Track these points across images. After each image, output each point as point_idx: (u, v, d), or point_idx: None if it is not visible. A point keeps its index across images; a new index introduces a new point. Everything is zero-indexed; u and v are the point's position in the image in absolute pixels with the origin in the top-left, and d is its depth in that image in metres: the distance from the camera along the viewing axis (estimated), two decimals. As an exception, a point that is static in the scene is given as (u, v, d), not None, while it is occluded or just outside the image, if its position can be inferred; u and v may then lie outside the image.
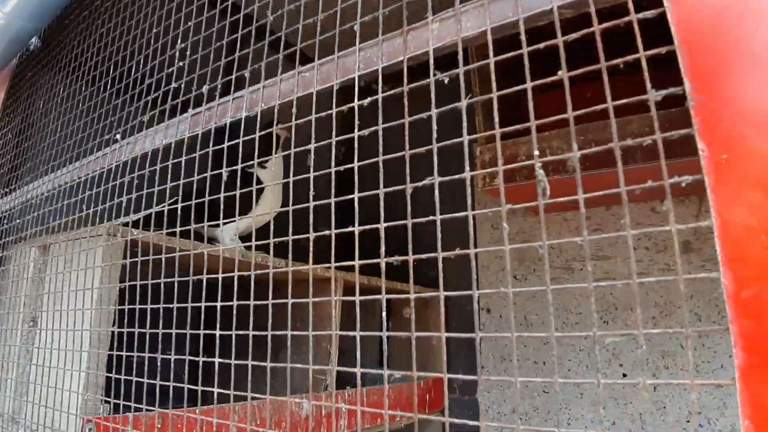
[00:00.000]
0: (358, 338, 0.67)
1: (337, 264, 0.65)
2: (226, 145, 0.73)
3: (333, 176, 0.61)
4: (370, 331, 2.34)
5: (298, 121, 0.64)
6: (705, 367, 1.79)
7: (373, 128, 0.58)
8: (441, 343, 2.25)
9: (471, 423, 0.52)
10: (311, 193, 0.63)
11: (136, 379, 0.97)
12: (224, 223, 1.35)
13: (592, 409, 2.00)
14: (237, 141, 0.71)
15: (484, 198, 2.31)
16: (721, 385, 0.38)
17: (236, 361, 0.71)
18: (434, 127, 0.55)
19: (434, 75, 0.54)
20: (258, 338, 0.76)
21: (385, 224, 0.57)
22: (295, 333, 0.64)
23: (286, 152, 0.71)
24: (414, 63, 0.56)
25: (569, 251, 2.11)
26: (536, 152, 0.44)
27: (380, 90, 0.57)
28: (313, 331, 0.70)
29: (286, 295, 0.70)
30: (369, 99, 0.58)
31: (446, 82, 0.54)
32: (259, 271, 0.76)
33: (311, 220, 0.64)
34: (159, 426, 1.13)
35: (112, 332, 1.05)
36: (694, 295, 1.82)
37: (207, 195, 0.86)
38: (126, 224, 1.06)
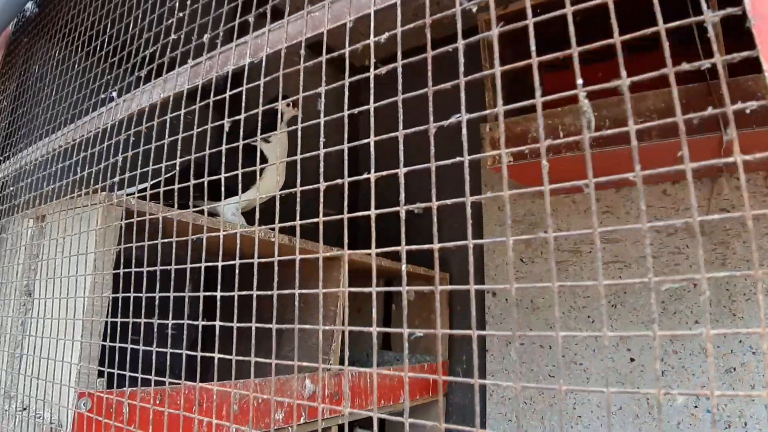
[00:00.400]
0: (374, 334, 0.63)
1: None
2: (228, 94, 0.68)
3: (345, 153, 0.56)
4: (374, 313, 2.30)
5: (306, 93, 0.59)
6: (714, 352, 1.75)
7: (383, 102, 0.53)
8: (445, 325, 2.23)
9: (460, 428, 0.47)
10: (313, 174, 0.59)
11: (132, 346, 0.94)
12: (225, 198, 1.32)
13: (597, 394, 1.97)
14: (240, 90, 0.67)
15: (492, 177, 2.27)
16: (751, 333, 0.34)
17: (238, 324, 0.67)
18: (430, 108, 0.51)
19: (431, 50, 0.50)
20: (261, 315, 0.72)
21: (377, 211, 0.53)
22: (303, 326, 0.60)
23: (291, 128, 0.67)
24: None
25: (578, 234, 2.06)
26: (580, 81, 0.40)
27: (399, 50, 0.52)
28: (319, 309, 0.67)
29: (292, 271, 0.66)
30: (385, 68, 0.53)
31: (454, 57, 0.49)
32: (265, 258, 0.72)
33: (321, 205, 0.60)
34: (158, 402, 1.10)
35: (108, 301, 1.02)
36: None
37: (207, 167, 0.82)
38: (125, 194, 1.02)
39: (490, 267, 2.26)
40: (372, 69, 0.49)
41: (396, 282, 2.34)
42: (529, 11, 0.45)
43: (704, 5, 0.37)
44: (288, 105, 1.61)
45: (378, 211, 0.52)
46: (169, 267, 0.82)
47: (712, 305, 1.78)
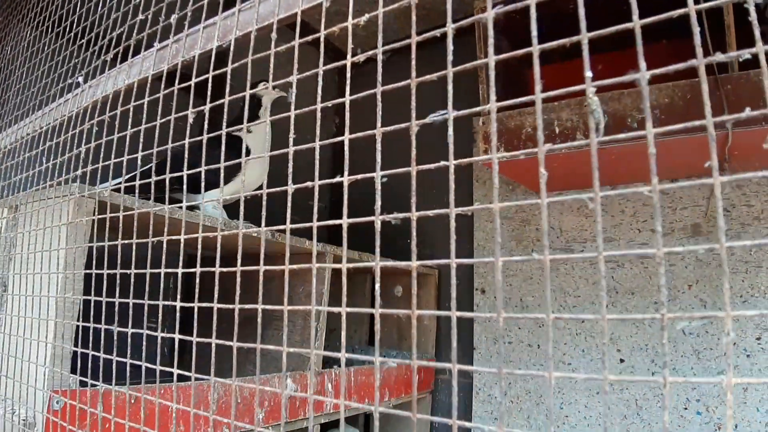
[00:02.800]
0: (344, 314, 0.58)
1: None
2: (194, 81, 0.63)
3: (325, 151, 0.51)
4: (357, 311, 2.26)
5: (300, 76, 0.54)
6: (706, 354, 1.72)
7: (367, 92, 0.48)
8: (432, 323, 2.19)
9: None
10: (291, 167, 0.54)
11: (104, 356, 0.89)
12: (205, 191, 1.26)
13: (586, 394, 1.93)
14: (212, 76, 0.61)
15: (484, 171, 2.22)
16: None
17: (217, 341, 0.62)
18: (413, 102, 0.46)
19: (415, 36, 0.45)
20: (242, 314, 0.68)
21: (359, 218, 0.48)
22: (268, 307, 0.56)
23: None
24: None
25: (570, 232, 2.03)
26: (588, 74, 0.35)
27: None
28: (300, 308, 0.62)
29: (273, 270, 0.61)
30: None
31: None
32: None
33: (289, 204, 0.55)
34: (132, 402, 1.06)
35: (80, 303, 0.97)
36: (699, 280, 1.75)
37: (186, 159, 0.77)
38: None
39: (479, 263, 2.22)
40: (349, 56, 0.45)
41: (383, 278, 2.29)
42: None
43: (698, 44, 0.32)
44: (266, 87, 1.55)
45: (351, 221, 0.47)
46: (144, 271, 0.78)
47: (706, 306, 1.75)
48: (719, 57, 0.30)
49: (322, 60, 0.48)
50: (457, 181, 0.43)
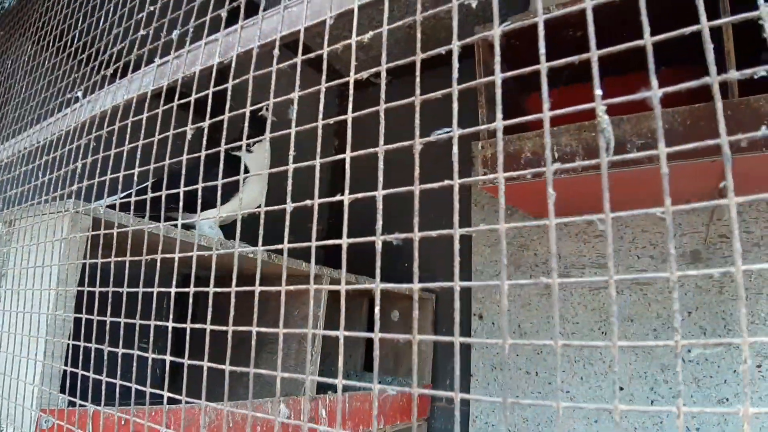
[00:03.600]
0: (341, 339, 0.57)
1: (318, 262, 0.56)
2: (194, 97, 0.62)
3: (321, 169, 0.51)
4: (355, 335, 2.24)
5: (302, 93, 0.53)
6: (706, 382, 1.70)
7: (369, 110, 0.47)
8: (429, 348, 2.16)
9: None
10: (289, 184, 0.53)
11: (94, 376, 0.87)
12: (202, 211, 1.25)
13: (584, 422, 1.91)
14: (211, 93, 0.61)
15: (482, 196, 2.22)
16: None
17: (209, 364, 0.60)
18: (417, 120, 0.45)
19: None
20: (236, 336, 0.66)
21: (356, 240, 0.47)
22: (263, 330, 0.54)
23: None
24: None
25: (568, 257, 2.02)
26: (598, 92, 0.34)
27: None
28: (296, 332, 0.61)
29: (269, 291, 0.60)
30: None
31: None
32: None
33: (287, 223, 0.54)
34: (123, 423, 1.03)
35: (72, 321, 0.95)
36: (699, 307, 1.73)
37: (183, 177, 0.76)
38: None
39: (477, 289, 2.20)
40: (352, 72, 0.44)
41: (381, 302, 2.27)
42: (539, 6, 0.40)
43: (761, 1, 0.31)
44: (268, 110, 1.54)
45: (350, 240, 0.46)
46: (136, 290, 0.76)
47: (706, 334, 1.73)
48: (733, 74, 0.29)
49: (324, 77, 0.47)
50: (459, 206, 0.42)
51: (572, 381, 1.94)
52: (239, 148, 1.40)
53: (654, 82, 0.32)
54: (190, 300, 0.67)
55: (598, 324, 1.91)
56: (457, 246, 0.38)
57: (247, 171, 1.44)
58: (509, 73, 0.37)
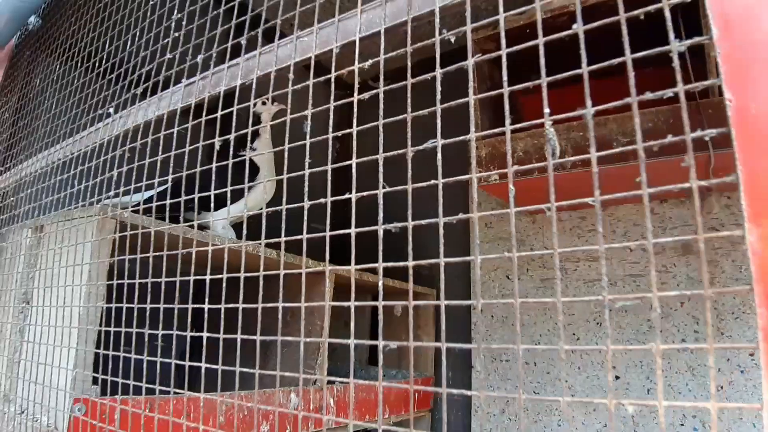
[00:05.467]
0: (352, 346, 0.65)
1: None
2: (219, 114, 0.72)
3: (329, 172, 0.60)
4: (360, 328, 2.33)
5: (314, 110, 0.62)
6: (701, 371, 1.77)
7: (370, 124, 0.57)
8: (430, 341, 2.25)
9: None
10: (306, 188, 0.62)
11: (124, 354, 0.96)
12: (215, 210, 1.34)
13: (582, 411, 1.99)
14: (229, 111, 0.70)
15: (480, 195, 2.30)
16: (741, 348, 0.37)
17: (224, 335, 0.70)
18: (408, 133, 0.54)
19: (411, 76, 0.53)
20: (248, 327, 0.75)
21: (357, 229, 0.56)
22: (285, 338, 0.63)
23: (279, 120, 0.69)
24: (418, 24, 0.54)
25: (563, 252, 2.09)
26: (547, 110, 0.43)
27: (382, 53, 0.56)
28: (304, 323, 0.69)
29: (278, 285, 0.69)
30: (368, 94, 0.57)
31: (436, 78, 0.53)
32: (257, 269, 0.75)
33: (305, 218, 0.63)
34: (148, 409, 1.12)
35: (102, 311, 1.05)
36: (692, 298, 1.81)
37: (198, 181, 0.85)
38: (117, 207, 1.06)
39: (476, 283, 2.28)
40: (356, 93, 0.53)
41: (383, 297, 2.35)
42: (503, 43, 0.49)
43: (671, 35, 0.40)
44: (264, 103, 1.63)
45: (358, 230, 0.55)
46: (159, 279, 0.85)
47: (699, 323, 1.81)
48: (648, 95, 0.38)
49: (332, 97, 0.56)
50: (454, 204, 0.51)
51: (570, 370, 2.02)
52: (243, 149, 1.50)
53: (588, 102, 0.41)
54: (206, 299, 0.76)
55: (593, 315, 1.99)
56: (441, 231, 0.47)
57: (255, 166, 1.52)
58: (481, 95, 0.46)
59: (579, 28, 0.46)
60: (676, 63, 0.41)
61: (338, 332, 1.99)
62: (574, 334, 2.05)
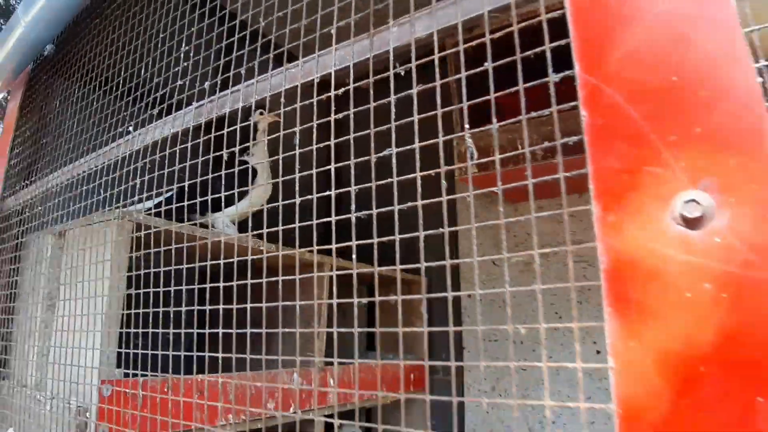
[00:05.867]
0: (356, 334, 0.80)
1: (320, 247, 0.79)
2: (226, 131, 0.87)
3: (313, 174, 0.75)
4: (357, 315, 2.46)
5: (303, 127, 0.77)
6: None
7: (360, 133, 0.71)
8: (423, 325, 2.38)
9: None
10: (296, 187, 0.77)
11: (142, 330, 1.12)
12: (217, 210, 1.49)
13: (566, 385, 2.13)
14: (233, 128, 0.85)
15: (461, 187, 2.45)
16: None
17: (224, 354, 0.84)
18: (393, 138, 0.69)
19: (394, 66, 0.68)
20: (254, 317, 0.90)
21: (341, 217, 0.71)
22: (270, 330, 0.78)
23: (273, 136, 0.84)
24: (378, 60, 0.69)
25: (543, 237, 2.25)
26: (467, 125, 0.58)
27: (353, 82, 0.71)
28: (301, 311, 0.84)
29: (275, 282, 0.84)
30: (344, 90, 0.72)
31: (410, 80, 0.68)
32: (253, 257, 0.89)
33: (297, 212, 0.78)
34: (165, 390, 1.27)
35: (124, 298, 1.20)
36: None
37: (202, 186, 1.00)
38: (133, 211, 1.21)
39: (463, 269, 2.43)
40: (332, 114, 0.68)
41: (379, 288, 2.50)
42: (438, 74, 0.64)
43: (550, 70, 0.56)
44: (261, 113, 1.78)
45: (337, 218, 0.70)
46: (170, 268, 1.00)
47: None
48: (566, 106, 0.54)
49: (315, 115, 0.72)
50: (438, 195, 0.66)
51: (554, 347, 2.18)
52: (244, 155, 1.65)
53: (494, 119, 0.56)
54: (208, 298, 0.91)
55: (575, 293, 2.13)
56: (420, 213, 0.62)
57: (255, 171, 1.68)
58: (501, 93, 0.61)
59: (489, 65, 0.61)
60: (552, 91, 0.57)
61: (337, 321, 2.12)
62: (556, 312, 2.20)
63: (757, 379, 0.41)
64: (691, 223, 0.45)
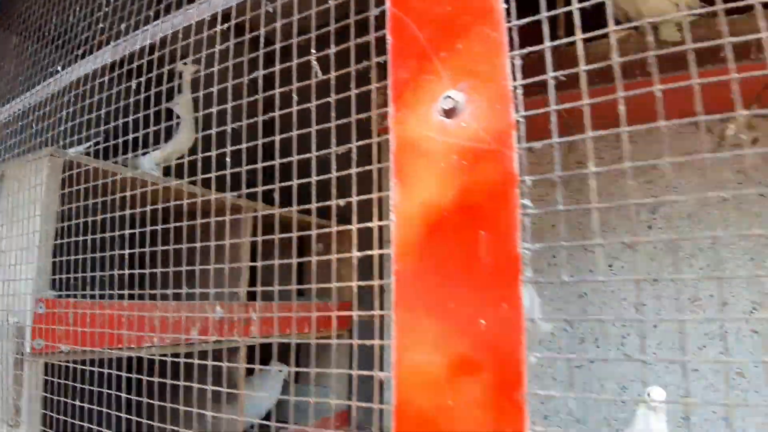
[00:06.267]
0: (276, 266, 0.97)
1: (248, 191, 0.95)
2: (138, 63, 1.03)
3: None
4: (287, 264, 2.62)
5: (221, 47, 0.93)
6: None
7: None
8: (349, 272, 2.55)
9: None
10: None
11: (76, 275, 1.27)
12: (143, 154, 1.64)
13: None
14: (159, 72, 1.01)
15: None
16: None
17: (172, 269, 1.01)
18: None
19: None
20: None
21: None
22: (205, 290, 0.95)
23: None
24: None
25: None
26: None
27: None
28: (231, 249, 0.99)
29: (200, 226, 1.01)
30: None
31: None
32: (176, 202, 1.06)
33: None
34: (97, 312, 1.42)
35: (55, 231, 1.35)
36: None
37: (127, 129, 1.15)
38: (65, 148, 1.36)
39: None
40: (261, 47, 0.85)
41: (305, 237, 2.67)
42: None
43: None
44: (185, 63, 1.88)
45: (285, 159, 0.87)
46: (104, 198, 1.16)
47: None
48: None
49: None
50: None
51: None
52: (169, 101, 1.77)
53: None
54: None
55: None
56: (334, 166, 0.80)
57: (178, 116, 1.79)
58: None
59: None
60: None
61: (265, 267, 2.27)
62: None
63: (480, 218, 0.61)
64: (448, 113, 0.64)
